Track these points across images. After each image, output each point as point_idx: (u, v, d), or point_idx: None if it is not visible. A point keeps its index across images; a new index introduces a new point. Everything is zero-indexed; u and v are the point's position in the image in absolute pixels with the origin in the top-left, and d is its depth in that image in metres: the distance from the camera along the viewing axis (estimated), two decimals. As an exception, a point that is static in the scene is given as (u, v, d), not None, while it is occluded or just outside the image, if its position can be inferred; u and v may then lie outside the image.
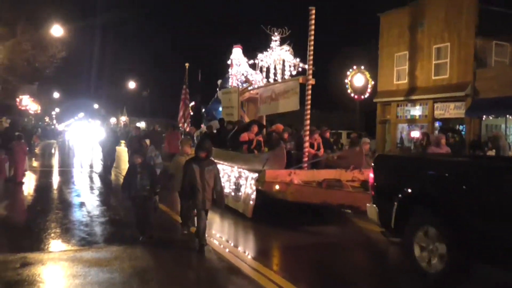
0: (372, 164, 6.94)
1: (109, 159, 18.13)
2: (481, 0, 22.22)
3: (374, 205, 6.66)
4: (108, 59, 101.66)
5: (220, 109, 15.72)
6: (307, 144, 9.94)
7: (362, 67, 26.52)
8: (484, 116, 21.33)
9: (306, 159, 9.88)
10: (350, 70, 26.46)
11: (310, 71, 9.86)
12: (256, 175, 9.49)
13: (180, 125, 18.86)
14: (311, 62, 9.86)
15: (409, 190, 6.08)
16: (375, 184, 6.73)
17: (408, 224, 6.02)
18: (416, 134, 22.96)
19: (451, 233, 5.42)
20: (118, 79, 72.01)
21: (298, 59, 11.55)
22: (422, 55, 24.80)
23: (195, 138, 15.81)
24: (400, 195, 6.11)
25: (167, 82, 73.53)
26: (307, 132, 10.01)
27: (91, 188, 14.39)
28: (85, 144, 39.32)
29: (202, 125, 17.77)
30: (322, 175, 9.68)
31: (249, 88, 13.60)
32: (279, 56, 11.99)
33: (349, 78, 26.21)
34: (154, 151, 7.95)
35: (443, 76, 23.64)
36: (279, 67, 12.08)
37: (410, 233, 5.99)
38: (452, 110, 23.12)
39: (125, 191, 7.68)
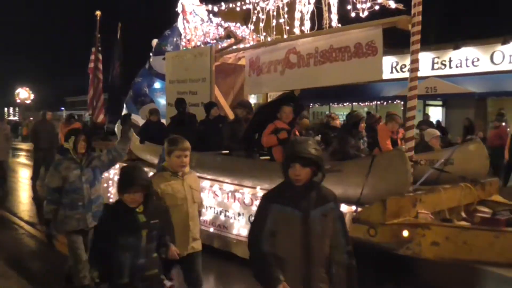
0: None
1: None
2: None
3: None
4: None
5: (157, 85, 10.67)
6: (411, 143, 5.29)
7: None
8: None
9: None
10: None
11: (420, 7, 5.00)
12: (347, 208, 4.86)
13: (90, 112, 12.44)
14: None
15: None
16: None
17: None
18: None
19: None
20: None
21: None
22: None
23: (117, 132, 10.42)
24: None
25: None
26: (411, 122, 5.24)
27: None
28: None
29: (124, 110, 10.90)
30: (450, 199, 5.26)
31: (230, 48, 8.52)
32: None
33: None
34: None
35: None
36: (306, 9, 7.70)
37: None
38: (285, 100, 24.86)
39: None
